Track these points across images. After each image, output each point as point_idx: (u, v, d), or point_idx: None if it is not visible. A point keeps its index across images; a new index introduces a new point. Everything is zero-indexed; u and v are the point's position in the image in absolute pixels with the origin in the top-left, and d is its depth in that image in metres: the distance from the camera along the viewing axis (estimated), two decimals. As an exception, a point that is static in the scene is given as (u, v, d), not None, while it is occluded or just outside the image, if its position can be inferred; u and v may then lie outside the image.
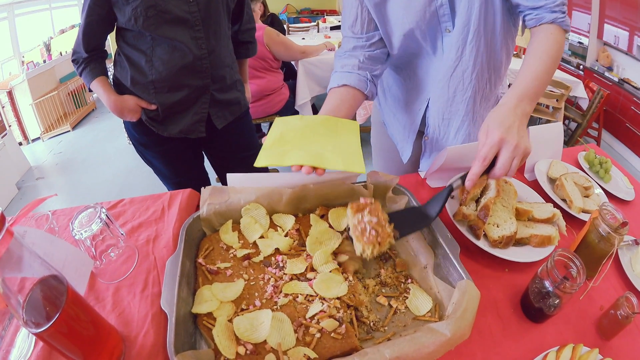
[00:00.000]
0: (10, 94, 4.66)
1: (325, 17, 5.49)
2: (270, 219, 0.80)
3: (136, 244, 0.86)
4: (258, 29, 2.64)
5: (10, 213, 3.28)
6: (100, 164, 3.88)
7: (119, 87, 1.40)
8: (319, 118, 0.87)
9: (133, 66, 1.32)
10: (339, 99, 0.98)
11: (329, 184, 0.80)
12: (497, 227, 0.83)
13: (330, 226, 0.78)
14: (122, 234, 0.82)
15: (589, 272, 0.81)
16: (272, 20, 4.14)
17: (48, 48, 5.31)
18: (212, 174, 1.75)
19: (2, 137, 3.92)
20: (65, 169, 4.03)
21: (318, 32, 4.51)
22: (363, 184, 0.83)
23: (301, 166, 0.74)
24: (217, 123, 1.49)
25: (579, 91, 3.43)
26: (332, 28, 4.52)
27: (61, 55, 5.42)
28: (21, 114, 4.78)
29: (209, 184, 1.69)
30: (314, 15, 6.88)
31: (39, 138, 4.83)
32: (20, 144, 4.61)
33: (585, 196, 1.03)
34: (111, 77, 1.42)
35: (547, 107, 3.65)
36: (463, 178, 0.75)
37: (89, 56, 1.36)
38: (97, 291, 0.78)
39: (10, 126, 4.67)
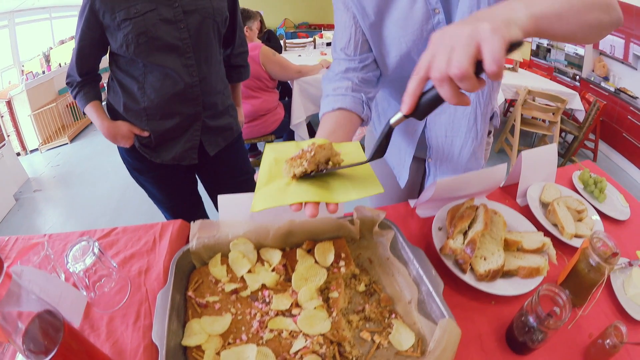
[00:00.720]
0: (9, 103, 4.68)
1: (322, 32, 5.55)
2: (258, 253, 0.82)
3: (129, 275, 0.88)
4: (254, 48, 2.65)
5: (7, 225, 3.31)
6: (98, 178, 3.89)
7: (112, 112, 1.42)
8: (318, 141, 0.71)
9: (125, 92, 1.34)
10: (334, 123, 0.92)
11: (316, 220, 0.82)
12: (484, 260, 0.84)
13: (316, 261, 0.80)
14: (114, 266, 0.84)
15: (578, 301, 0.82)
16: (269, 37, 4.15)
17: (47, 59, 5.35)
18: (205, 197, 1.76)
19: (0, 148, 3.93)
20: (63, 182, 4.05)
21: (315, 48, 4.56)
22: (350, 219, 0.85)
23: (301, 205, 0.60)
24: (210, 150, 1.50)
25: (575, 103, 3.46)
26: (329, 44, 4.57)
27: (60, 66, 5.46)
28: (20, 125, 4.79)
29: (203, 208, 1.73)
30: (312, 29, 6.96)
31: (37, 149, 4.85)
32: (18, 154, 4.62)
33: (578, 220, 1.03)
34: (105, 101, 1.44)
35: (544, 121, 3.68)
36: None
37: (83, 80, 1.38)
38: (91, 320, 0.81)
39: (8, 136, 4.68)
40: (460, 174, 0.98)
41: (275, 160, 0.72)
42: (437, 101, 0.57)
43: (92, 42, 1.29)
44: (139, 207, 1.57)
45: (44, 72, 5.19)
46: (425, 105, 0.59)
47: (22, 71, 5.10)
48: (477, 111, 1.03)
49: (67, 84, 1.41)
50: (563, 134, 4.13)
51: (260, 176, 0.70)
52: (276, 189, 0.65)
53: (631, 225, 1.08)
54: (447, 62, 0.51)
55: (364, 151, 0.74)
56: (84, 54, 1.33)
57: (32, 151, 4.85)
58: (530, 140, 4.17)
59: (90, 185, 3.84)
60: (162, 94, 1.32)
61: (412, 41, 0.92)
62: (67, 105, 5.25)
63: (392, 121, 0.63)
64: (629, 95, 3.70)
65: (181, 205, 1.65)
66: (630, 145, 3.75)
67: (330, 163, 0.66)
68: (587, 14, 0.65)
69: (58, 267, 0.93)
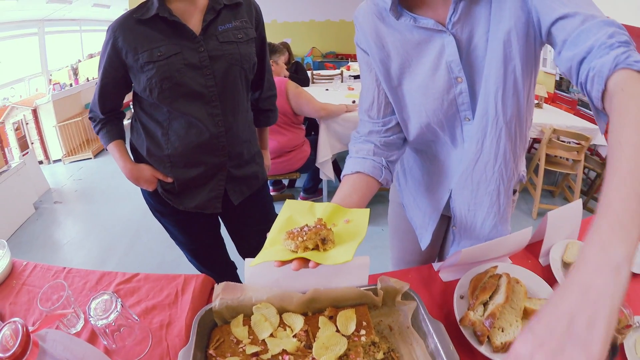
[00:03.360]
0: (35, 112, 4.81)
1: (350, 63, 5.57)
2: (280, 317, 0.82)
3: (150, 326, 0.89)
4: (280, 83, 2.65)
5: (25, 233, 3.39)
6: (120, 197, 3.88)
7: (135, 153, 1.39)
8: (329, 208, 0.82)
9: (149, 137, 1.31)
10: (351, 187, 0.93)
11: (340, 289, 0.83)
12: (502, 331, 0.83)
13: (338, 330, 0.80)
14: (136, 320, 0.85)
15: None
16: (297, 69, 4.17)
17: (75, 72, 5.50)
18: (227, 238, 1.71)
19: (23, 156, 4.03)
20: (84, 197, 4.09)
21: (342, 81, 4.55)
22: (373, 288, 0.85)
23: (283, 263, 0.67)
24: (234, 199, 1.44)
25: (599, 139, 3.36)
26: (356, 77, 4.58)
27: (87, 80, 5.60)
28: (44, 134, 4.90)
29: (225, 251, 1.72)
30: (339, 59, 7.02)
31: (60, 160, 4.94)
32: (41, 162, 4.72)
33: None
34: (128, 140, 1.41)
35: (567, 159, 3.61)
36: None
37: (105, 118, 1.35)
38: None
39: (32, 143, 4.81)
40: (483, 242, 0.97)
41: (289, 219, 0.79)
42: None
43: (114, 80, 1.26)
44: (159, 233, 1.56)
45: (71, 85, 5.32)
46: None
47: (50, 80, 5.25)
48: (500, 188, 1.01)
49: (89, 118, 1.39)
50: (586, 170, 4.06)
51: (272, 230, 0.77)
52: (276, 249, 0.72)
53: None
54: None
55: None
56: (106, 92, 1.30)
57: (55, 161, 4.95)
58: (553, 179, 4.10)
59: (112, 203, 3.84)
60: (186, 143, 1.27)
61: (432, 110, 0.92)
62: (92, 120, 5.35)
63: None
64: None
65: (203, 248, 1.61)
66: (654, 180, 3.66)
67: (323, 245, 0.71)
68: None
69: (78, 308, 0.94)
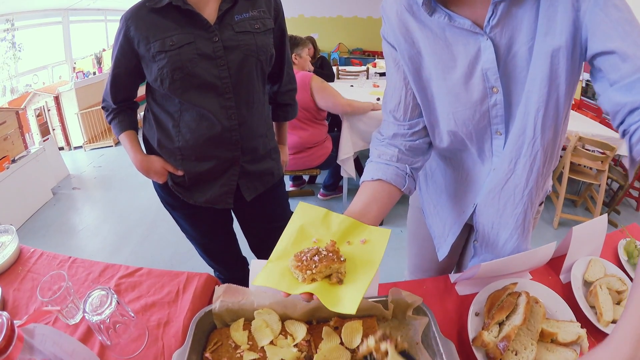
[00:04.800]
0: (57, 99, 4.88)
1: (376, 60, 5.51)
2: (283, 324, 0.78)
3: (147, 324, 0.86)
4: (304, 77, 2.60)
5: (42, 217, 3.44)
6: (139, 186, 3.87)
7: (147, 144, 1.36)
8: (346, 222, 0.77)
9: (160, 128, 1.28)
10: (371, 196, 0.85)
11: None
12: (515, 355, 0.78)
13: (342, 342, 0.75)
14: (132, 316, 0.82)
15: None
16: (322, 64, 4.11)
17: (99, 60, 5.57)
18: (240, 234, 1.67)
19: (44, 141, 4.09)
20: (103, 184, 4.13)
21: (367, 78, 4.48)
22: (383, 300, 0.79)
23: (289, 294, 0.66)
24: (247, 195, 1.40)
25: (623, 149, 3.26)
26: (382, 74, 4.52)
27: (111, 69, 5.66)
28: (66, 121, 4.97)
29: (237, 247, 1.68)
30: (365, 56, 6.95)
31: (81, 147, 5.01)
32: (61, 148, 4.80)
33: (617, 302, 0.96)
34: (141, 131, 1.39)
35: (591, 169, 3.51)
36: None
37: (118, 107, 1.33)
38: None
39: (54, 129, 4.89)
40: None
41: (300, 229, 0.76)
42: None
43: (127, 70, 1.23)
44: (175, 225, 1.54)
45: (94, 73, 5.39)
46: None
47: (74, 68, 5.33)
48: (528, 211, 0.94)
49: (102, 107, 1.37)
50: (609, 181, 3.94)
51: (281, 241, 0.74)
52: (281, 268, 0.70)
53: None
54: None
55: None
56: (118, 81, 1.27)
57: (76, 148, 5.02)
58: (576, 188, 3.97)
59: (130, 192, 3.85)
60: (197, 136, 1.24)
61: (461, 120, 0.84)
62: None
63: None
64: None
65: (214, 243, 1.57)
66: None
67: (333, 277, 0.68)
68: None
69: (77, 300, 0.92)
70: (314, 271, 0.65)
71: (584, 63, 0.75)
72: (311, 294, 0.64)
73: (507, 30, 0.74)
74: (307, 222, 0.77)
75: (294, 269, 0.67)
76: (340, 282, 0.67)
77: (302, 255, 0.68)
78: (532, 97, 0.76)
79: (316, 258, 0.66)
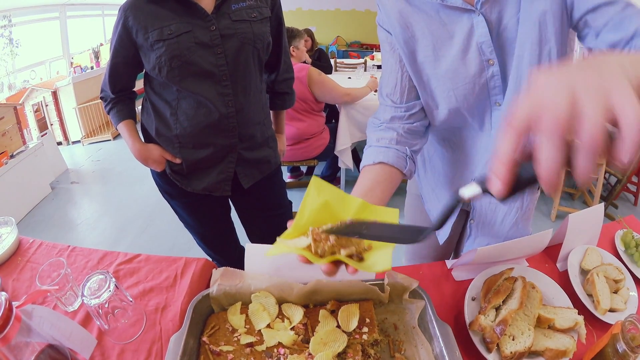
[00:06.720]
0: (55, 94, 4.86)
1: (374, 53, 5.48)
2: (280, 308, 0.79)
3: (145, 309, 0.86)
4: (301, 69, 2.60)
5: (40, 212, 3.43)
6: (137, 179, 3.89)
7: (146, 133, 1.37)
8: (356, 202, 0.70)
9: (158, 116, 1.29)
10: (373, 179, 0.84)
11: (344, 282, 0.78)
12: (512, 339, 0.78)
13: (339, 325, 0.76)
14: (130, 301, 0.82)
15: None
16: (320, 56, 4.11)
17: (97, 55, 5.55)
18: (238, 222, 1.68)
19: (42, 136, 4.08)
20: (101, 178, 4.12)
21: (365, 70, 4.46)
22: (379, 283, 0.80)
23: (309, 261, 0.56)
24: (244, 182, 1.41)
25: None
26: (379, 67, 4.50)
27: (108, 64, 5.64)
28: (64, 116, 4.96)
29: (234, 236, 1.68)
30: (363, 49, 6.90)
31: (79, 141, 4.99)
32: (60, 143, 4.78)
33: (615, 290, 0.97)
34: (139, 122, 1.40)
35: (588, 162, 3.52)
36: (481, 182, 0.43)
37: (116, 97, 1.34)
38: (103, 347, 0.80)
39: (52, 124, 4.87)
40: (501, 241, 0.90)
41: (324, 206, 0.64)
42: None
43: (125, 60, 1.25)
44: (174, 217, 1.54)
45: (92, 68, 5.36)
46: (522, 182, 0.40)
47: (71, 63, 5.30)
48: None
49: (100, 98, 1.38)
50: (606, 175, 3.94)
51: (301, 212, 0.62)
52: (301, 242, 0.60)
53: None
54: (569, 114, 0.34)
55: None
56: (117, 71, 1.29)
57: (74, 142, 5.01)
58: (574, 181, 3.99)
59: (128, 185, 3.86)
60: (194, 123, 1.25)
61: (462, 95, 0.85)
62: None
63: (466, 195, 0.46)
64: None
65: (212, 231, 1.58)
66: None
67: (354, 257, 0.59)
68: None
69: (76, 287, 0.92)
70: (333, 242, 0.57)
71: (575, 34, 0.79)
72: (334, 265, 0.57)
73: (496, 5, 0.77)
74: (330, 199, 0.68)
75: (314, 242, 0.59)
76: (360, 260, 0.60)
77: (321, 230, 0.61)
78: (523, 63, 0.79)
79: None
